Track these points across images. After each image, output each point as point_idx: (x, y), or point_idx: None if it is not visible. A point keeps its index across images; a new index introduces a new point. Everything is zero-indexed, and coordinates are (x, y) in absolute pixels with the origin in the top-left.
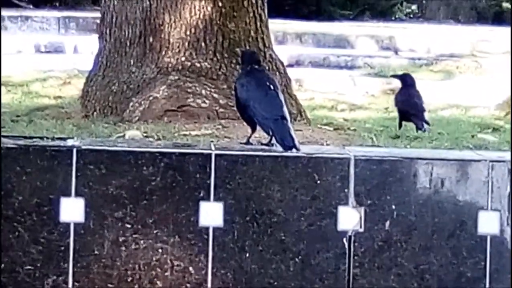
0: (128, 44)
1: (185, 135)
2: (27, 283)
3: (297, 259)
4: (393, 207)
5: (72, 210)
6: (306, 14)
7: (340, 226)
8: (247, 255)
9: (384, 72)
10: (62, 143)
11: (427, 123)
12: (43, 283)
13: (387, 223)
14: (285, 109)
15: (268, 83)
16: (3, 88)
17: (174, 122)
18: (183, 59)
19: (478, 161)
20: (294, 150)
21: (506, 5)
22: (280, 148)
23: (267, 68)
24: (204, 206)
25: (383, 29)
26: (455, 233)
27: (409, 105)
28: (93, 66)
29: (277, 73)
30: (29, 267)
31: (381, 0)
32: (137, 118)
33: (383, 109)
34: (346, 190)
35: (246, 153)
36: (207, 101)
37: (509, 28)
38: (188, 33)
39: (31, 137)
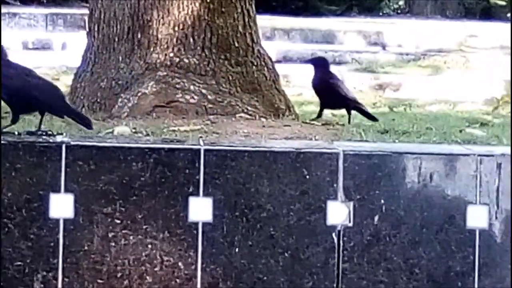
0: (116, 40)
1: (174, 130)
2: (16, 279)
3: (286, 254)
4: (382, 201)
5: (61, 206)
6: (294, 10)
7: (329, 221)
8: (237, 250)
9: (372, 68)
10: (51, 139)
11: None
12: (33, 279)
13: (376, 218)
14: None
15: (29, 71)
16: None
17: (162, 118)
18: (171, 55)
19: (467, 155)
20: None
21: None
22: (270, 144)
23: (255, 63)
24: (193, 201)
25: (370, 25)
26: (443, 227)
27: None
28: (82, 63)
29: (265, 68)
30: (19, 263)
31: None
32: (125, 114)
33: (371, 104)
34: (335, 185)
35: (235, 148)
36: (195, 97)
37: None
38: (176, 29)
39: (20, 133)
